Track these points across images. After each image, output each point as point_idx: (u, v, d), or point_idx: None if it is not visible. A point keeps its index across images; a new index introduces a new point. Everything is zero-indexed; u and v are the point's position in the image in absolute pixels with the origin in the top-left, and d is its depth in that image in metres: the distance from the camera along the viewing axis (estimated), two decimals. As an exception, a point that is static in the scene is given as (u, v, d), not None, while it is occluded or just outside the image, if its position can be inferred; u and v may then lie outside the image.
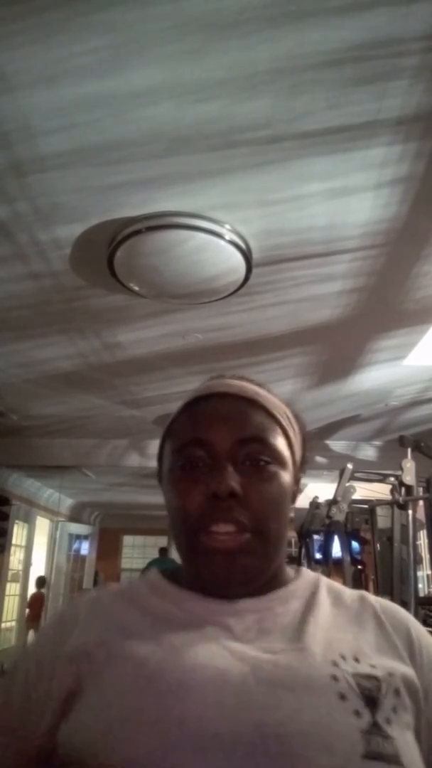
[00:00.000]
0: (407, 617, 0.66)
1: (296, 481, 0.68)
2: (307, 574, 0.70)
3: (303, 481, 0.72)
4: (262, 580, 0.63)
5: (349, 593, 0.68)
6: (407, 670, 0.59)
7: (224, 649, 0.57)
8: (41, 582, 7.93)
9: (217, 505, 0.60)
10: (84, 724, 0.53)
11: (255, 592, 0.63)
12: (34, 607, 7.63)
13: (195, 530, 0.61)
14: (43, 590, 7.91)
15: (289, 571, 0.70)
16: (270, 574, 0.64)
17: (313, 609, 0.63)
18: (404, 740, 0.53)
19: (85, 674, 0.57)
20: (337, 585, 0.69)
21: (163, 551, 8.43)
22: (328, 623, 0.62)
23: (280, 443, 0.64)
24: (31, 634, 7.25)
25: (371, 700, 0.54)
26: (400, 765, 0.50)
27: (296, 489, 0.68)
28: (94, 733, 0.52)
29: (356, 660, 0.57)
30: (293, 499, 0.67)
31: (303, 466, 0.70)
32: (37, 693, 0.59)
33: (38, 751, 0.57)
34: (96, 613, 0.63)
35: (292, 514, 0.66)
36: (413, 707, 0.57)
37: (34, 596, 7.79)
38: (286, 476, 0.64)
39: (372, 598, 0.67)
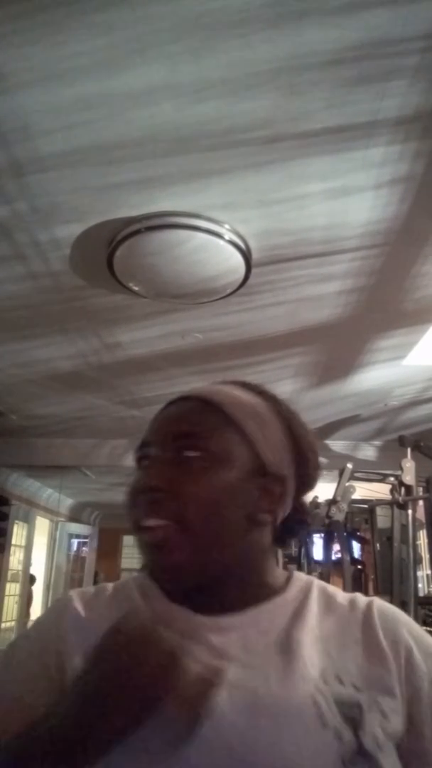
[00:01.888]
0: (401, 620, 0.64)
1: (267, 479, 0.63)
2: (299, 579, 0.68)
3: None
4: (198, 575, 0.60)
5: (341, 599, 0.66)
6: (394, 678, 0.58)
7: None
8: (31, 580, 7.91)
9: (138, 500, 0.61)
10: None
11: (235, 600, 0.62)
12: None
13: (133, 527, 0.62)
14: (32, 588, 7.90)
15: (281, 576, 0.68)
16: (211, 569, 0.61)
17: (299, 623, 0.61)
18: (392, 763, 0.52)
19: (69, 679, 0.56)
20: (331, 590, 0.68)
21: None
22: (314, 638, 0.60)
23: (224, 438, 0.62)
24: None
25: (354, 722, 0.53)
26: None
27: (271, 487, 0.63)
28: None
29: (339, 681, 0.56)
30: (266, 498, 0.63)
31: (300, 468, 0.67)
32: (39, 664, 0.60)
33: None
34: (84, 617, 0.63)
35: (266, 516, 0.63)
36: (400, 719, 0.56)
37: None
38: (225, 472, 0.61)
39: (364, 601, 0.65)
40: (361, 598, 0.66)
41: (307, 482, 0.69)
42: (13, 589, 7.21)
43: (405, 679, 0.59)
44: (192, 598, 0.62)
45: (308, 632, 0.60)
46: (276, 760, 0.49)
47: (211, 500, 0.60)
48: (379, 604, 0.65)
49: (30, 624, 0.70)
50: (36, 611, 8.15)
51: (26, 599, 7.70)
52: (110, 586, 0.68)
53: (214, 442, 0.62)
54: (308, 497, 0.71)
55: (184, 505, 0.59)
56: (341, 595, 0.67)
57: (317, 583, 0.68)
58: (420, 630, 0.65)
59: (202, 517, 0.59)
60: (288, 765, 0.50)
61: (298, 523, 0.69)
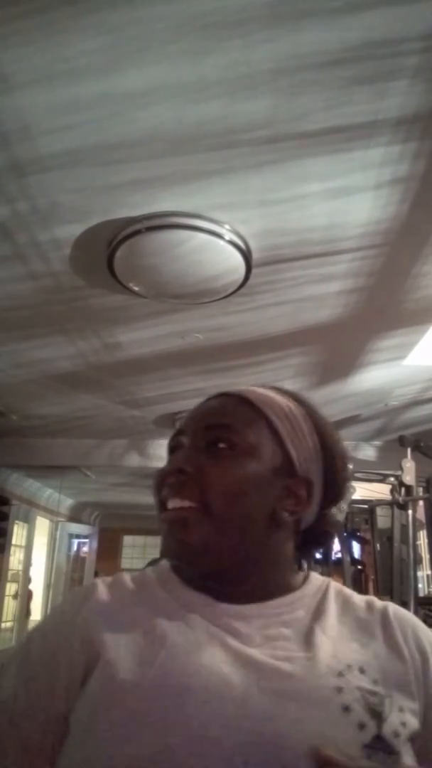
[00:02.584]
0: (417, 624, 0.65)
1: (292, 479, 0.64)
2: (316, 579, 0.69)
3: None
4: (216, 559, 0.61)
5: (358, 599, 0.67)
6: (411, 680, 0.59)
7: (229, 654, 0.56)
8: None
9: (164, 481, 0.65)
10: (88, 717, 0.54)
11: (256, 592, 0.63)
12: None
13: (158, 508, 0.65)
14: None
15: (298, 575, 0.69)
16: (229, 556, 0.62)
17: (320, 617, 0.62)
18: (410, 757, 0.53)
19: (92, 665, 0.57)
20: (347, 590, 0.69)
21: (163, 552, 8.41)
22: (335, 632, 0.61)
23: (255, 433, 0.64)
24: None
25: (377, 714, 0.54)
26: None
27: (295, 488, 0.65)
28: (96, 730, 0.52)
29: (362, 671, 0.57)
30: (288, 497, 0.64)
31: (330, 473, 0.68)
32: (56, 660, 0.59)
33: (65, 711, 0.56)
34: (106, 603, 0.63)
35: (286, 515, 0.64)
36: (417, 719, 0.57)
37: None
38: (252, 464, 0.63)
39: (381, 604, 0.67)
40: (377, 601, 0.67)
41: (335, 493, 0.69)
42: (12, 589, 7.22)
43: (423, 682, 0.60)
44: (211, 587, 0.63)
45: (329, 627, 0.61)
46: (301, 743, 0.50)
47: (235, 488, 0.62)
48: (395, 608, 0.67)
49: (38, 622, 0.69)
50: (36, 610, 8.18)
51: (26, 598, 7.71)
52: (127, 576, 0.68)
53: (244, 434, 0.64)
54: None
55: (208, 489, 0.61)
56: (357, 596, 0.68)
57: (333, 583, 0.69)
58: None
59: (223, 503, 0.61)
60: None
61: (322, 534, 0.71)
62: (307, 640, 0.59)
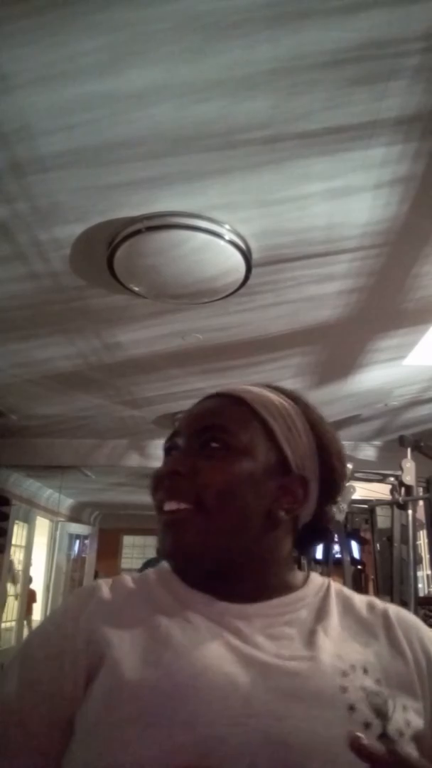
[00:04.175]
0: (419, 625, 0.66)
1: (287, 478, 0.65)
2: (316, 579, 0.69)
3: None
4: (212, 558, 0.62)
5: (359, 600, 0.67)
6: (414, 679, 0.59)
7: (233, 654, 0.57)
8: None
9: (159, 484, 0.66)
10: (94, 717, 0.54)
11: (257, 592, 0.63)
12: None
13: (156, 509, 0.66)
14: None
15: (298, 575, 0.69)
16: (225, 555, 0.62)
17: (322, 617, 0.63)
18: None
19: (96, 665, 0.57)
20: (347, 590, 0.69)
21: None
22: (338, 633, 0.61)
23: (249, 433, 0.64)
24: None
25: (381, 713, 0.54)
26: None
27: (290, 486, 0.65)
28: (102, 730, 0.52)
29: (365, 671, 0.57)
30: (285, 496, 0.64)
31: (328, 472, 0.68)
32: (60, 661, 0.58)
33: (70, 712, 0.56)
34: (109, 604, 0.63)
35: (282, 513, 0.64)
36: (421, 720, 0.57)
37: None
38: (246, 463, 0.63)
39: (382, 605, 0.67)
40: (378, 602, 0.67)
41: (332, 490, 0.69)
42: (12, 589, 7.22)
43: (427, 682, 0.60)
44: (210, 586, 0.63)
45: (332, 628, 0.62)
46: (309, 742, 0.50)
47: (228, 487, 0.63)
48: (397, 609, 0.67)
49: (39, 623, 0.69)
50: (36, 610, 8.17)
51: (26, 599, 7.71)
52: (128, 577, 0.69)
53: (237, 434, 0.64)
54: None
55: (203, 489, 0.62)
56: (357, 597, 0.68)
57: (333, 584, 0.69)
58: None
59: (218, 503, 0.62)
60: (320, 747, 0.50)
61: (320, 531, 0.71)
62: (311, 639, 0.59)
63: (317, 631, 0.61)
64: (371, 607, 0.66)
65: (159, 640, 0.58)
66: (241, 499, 0.63)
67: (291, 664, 0.56)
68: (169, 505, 0.63)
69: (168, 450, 0.69)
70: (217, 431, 0.65)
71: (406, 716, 0.55)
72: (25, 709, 0.57)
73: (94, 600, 0.63)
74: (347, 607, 0.66)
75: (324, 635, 0.60)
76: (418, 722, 0.56)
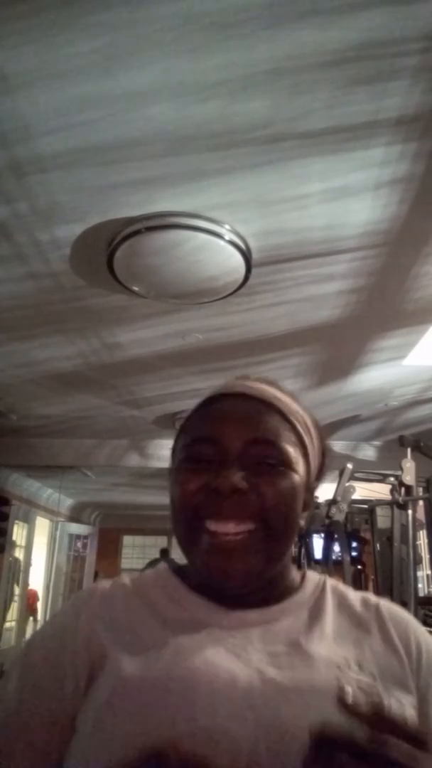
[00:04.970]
0: (410, 621, 0.66)
1: (309, 489, 0.66)
2: (313, 578, 0.69)
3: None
4: (263, 581, 0.62)
5: (353, 596, 0.68)
6: (407, 675, 0.60)
7: (231, 653, 0.57)
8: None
9: (218, 502, 0.59)
10: (96, 714, 0.54)
11: (260, 598, 0.63)
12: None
13: (193, 524, 0.61)
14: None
15: (296, 575, 0.69)
16: (272, 575, 0.63)
17: (318, 614, 0.63)
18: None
19: (97, 666, 0.57)
20: (342, 587, 0.69)
21: (164, 552, 8.40)
22: (333, 629, 0.62)
23: (293, 449, 0.63)
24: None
25: (375, 705, 0.54)
26: None
27: (308, 497, 0.67)
28: (104, 726, 0.53)
29: (359, 666, 0.58)
30: (305, 506, 0.66)
31: (320, 475, 0.70)
32: (60, 662, 0.59)
33: (72, 713, 0.56)
34: (108, 606, 0.63)
35: (302, 522, 0.65)
36: (414, 713, 0.57)
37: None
38: (297, 479, 0.62)
39: (374, 600, 0.67)
40: (371, 597, 0.68)
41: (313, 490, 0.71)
42: (17, 589, 7.22)
43: (418, 676, 0.61)
44: (218, 594, 0.62)
45: (327, 624, 0.62)
46: (304, 731, 0.50)
47: (291, 507, 0.61)
48: (388, 604, 0.67)
49: (41, 624, 0.69)
50: (38, 610, 8.17)
51: (26, 599, 7.72)
52: (127, 578, 0.68)
53: (287, 449, 0.62)
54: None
55: (269, 509, 0.59)
56: (352, 593, 0.69)
57: (329, 580, 0.70)
58: (424, 630, 0.66)
59: (283, 524, 0.60)
60: None
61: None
62: (307, 636, 0.60)
63: (314, 627, 0.61)
64: (365, 602, 0.66)
65: (158, 641, 0.58)
66: (296, 517, 0.62)
67: (286, 662, 0.57)
68: (234, 527, 0.59)
69: (196, 459, 0.62)
70: (268, 446, 0.62)
71: (402, 710, 0.56)
72: (26, 711, 0.58)
73: (93, 602, 0.63)
74: (342, 603, 0.66)
75: (320, 632, 0.61)
76: (413, 715, 0.57)
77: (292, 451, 0.63)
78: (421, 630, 0.65)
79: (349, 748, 0.44)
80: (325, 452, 0.70)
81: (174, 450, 0.69)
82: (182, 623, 0.60)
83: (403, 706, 0.56)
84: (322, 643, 0.60)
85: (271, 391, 0.67)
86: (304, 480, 0.64)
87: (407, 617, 0.67)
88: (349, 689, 0.54)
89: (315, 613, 0.64)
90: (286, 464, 0.62)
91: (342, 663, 0.57)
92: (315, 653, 0.58)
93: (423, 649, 0.63)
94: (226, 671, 0.55)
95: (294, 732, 0.51)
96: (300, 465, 0.64)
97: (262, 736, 0.51)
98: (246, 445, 0.61)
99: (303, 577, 0.69)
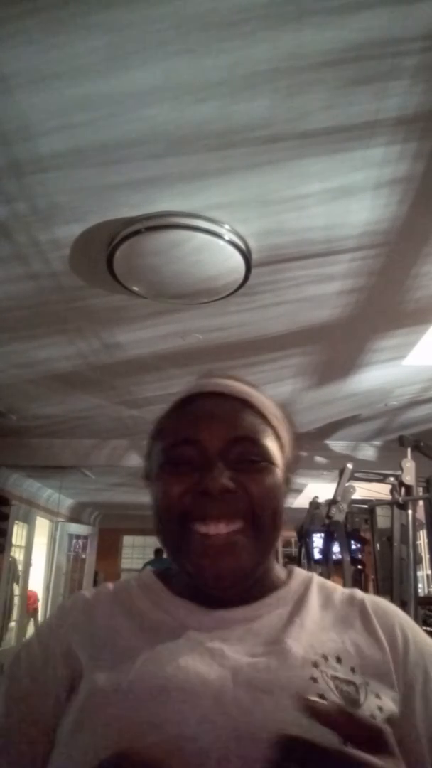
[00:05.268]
0: (396, 613, 0.66)
1: (286, 482, 0.67)
2: (300, 575, 0.69)
3: (302, 481, 0.72)
4: (252, 579, 0.62)
5: (340, 592, 0.67)
6: (390, 667, 0.59)
7: (207, 655, 0.57)
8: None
9: (207, 503, 0.59)
10: (71, 727, 0.55)
11: (245, 597, 0.63)
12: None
13: (181, 528, 0.60)
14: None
15: (281, 573, 0.69)
16: (259, 574, 0.63)
17: (299, 610, 0.63)
18: (390, 736, 0.53)
19: (76, 680, 0.58)
20: (330, 584, 0.69)
21: (159, 552, 8.41)
22: (314, 624, 0.62)
23: (271, 444, 0.64)
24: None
25: (352, 700, 0.54)
26: None
27: (286, 490, 0.67)
28: (78, 739, 0.53)
29: (338, 660, 0.58)
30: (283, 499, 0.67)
31: (293, 467, 0.70)
32: (44, 675, 0.60)
33: (53, 726, 0.57)
34: (88, 615, 0.64)
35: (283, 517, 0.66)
36: (395, 707, 0.57)
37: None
38: (278, 473, 0.63)
39: (361, 594, 0.67)
40: (357, 593, 0.67)
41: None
42: (17, 589, 7.22)
43: (401, 669, 0.60)
44: (202, 595, 0.62)
45: (309, 619, 0.62)
46: (273, 735, 0.50)
47: (277, 504, 0.63)
48: (373, 598, 0.67)
49: (34, 628, 0.70)
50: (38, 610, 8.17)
51: (26, 599, 7.72)
52: (110, 585, 0.69)
53: (267, 446, 0.63)
54: (308, 497, 0.72)
55: (257, 508, 0.60)
56: (340, 590, 0.68)
57: (317, 578, 0.69)
58: (413, 623, 0.66)
59: (271, 522, 0.61)
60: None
61: None
62: (284, 633, 0.60)
63: (293, 623, 0.61)
64: (351, 598, 0.66)
65: (134, 649, 0.58)
66: (281, 514, 0.63)
67: (262, 660, 0.57)
68: (225, 527, 0.59)
69: (176, 461, 0.62)
70: (249, 444, 0.62)
71: (379, 702, 0.55)
72: (10, 724, 0.59)
73: (75, 613, 0.64)
74: (328, 599, 0.66)
75: (299, 628, 0.60)
76: (391, 707, 0.56)
77: (272, 446, 0.64)
78: (409, 623, 0.65)
79: (312, 752, 0.44)
80: (296, 443, 0.70)
81: (149, 454, 0.69)
82: (161, 628, 0.61)
83: (381, 700, 0.56)
84: (302, 638, 0.59)
85: (242, 388, 0.67)
86: (284, 473, 0.65)
87: (394, 610, 0.66)
88: (318, 692, 0.53)
89: (297, 608, 0.63)
90: (268, 460, 0.63)
91: (319, 660, 0.57)
92: (293, 651, 0.57)
93: (410, 641, 0.62)
94: (198, 675, 0.55)
95: (262, 736, 0.50)
96: (279, 459, 0.64)
97: (233, 741, 0.50)
98: (228, 445, 0.61)
99: (290, 574, 0.69)
